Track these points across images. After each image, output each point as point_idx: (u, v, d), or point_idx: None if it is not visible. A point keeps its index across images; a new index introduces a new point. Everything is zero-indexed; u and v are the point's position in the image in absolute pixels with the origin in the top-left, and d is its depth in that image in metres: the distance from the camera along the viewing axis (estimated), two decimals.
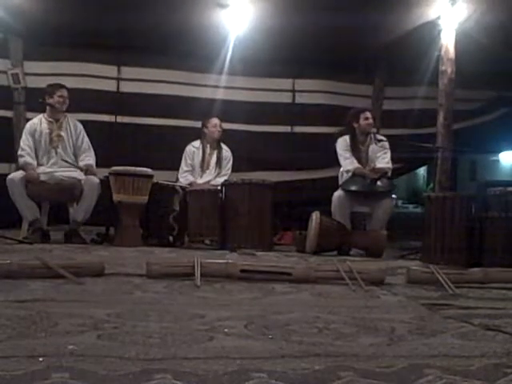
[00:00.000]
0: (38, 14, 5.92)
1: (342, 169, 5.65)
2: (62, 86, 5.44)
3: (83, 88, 6.52)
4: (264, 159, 7.17)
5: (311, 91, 7.48)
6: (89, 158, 5.43)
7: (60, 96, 5.36)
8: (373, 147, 5.63)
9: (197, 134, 6.18)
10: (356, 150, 5.59)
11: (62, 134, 5.41)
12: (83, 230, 5.42)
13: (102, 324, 1.95)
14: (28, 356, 1.52)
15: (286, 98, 7.46)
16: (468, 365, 1.57)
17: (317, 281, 3.11)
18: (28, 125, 5.47)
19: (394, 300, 2.74)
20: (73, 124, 5.48)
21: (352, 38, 6.26)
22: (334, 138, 5.76)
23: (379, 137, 5.72)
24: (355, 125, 5.63)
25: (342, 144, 5.64)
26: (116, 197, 5.16)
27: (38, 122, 5.42)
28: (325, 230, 5.02)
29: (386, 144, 5.64)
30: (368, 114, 5.64)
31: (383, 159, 5.58)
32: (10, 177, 5.13)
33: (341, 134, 5.73)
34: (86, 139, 5.51)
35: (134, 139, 6.84)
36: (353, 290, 2.91)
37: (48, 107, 5.39)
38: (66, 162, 5.32)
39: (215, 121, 6.07)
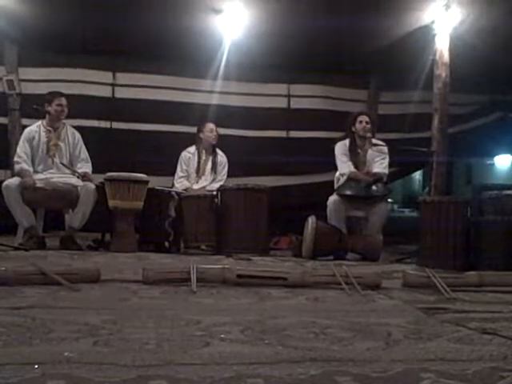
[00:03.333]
0: (33, 20, 5.92)
1: (337, 173, 5.64)
2: (61, 95, 5.42)
3: (78, 94, 6.51)
4: (260, 164, 7.16)
5: (306, 96, 7.49)
6: (85, 168, 5.42)
7: (58, 104, 5.35)
8: (370, 152, 5.62)
9: (192, 139, 6.17)
10: (354, 153, 5.58)
11: (60, 143, 5.39)
12: (79, 236, 5.41)
13: (97, 330, 1.94)
14: (23, 363, 1.51)
15: (281, 103, 7.47)
16: (464, 369, 1.57)
17: (313, 285, 3.11)
18: (26, 131, 5.44)
19: (391, 304, 2.74)
20: (71, 133, 5.47)
21: (347, 43, 6.29)
22: (333, 143, 5.74)
23: (376, 141, 5.71)
24: (353, 128, 5.63)
25: (341, 148, 5.64)
26: (111, 203, 5.15)
27: (36, 129, 5.40)
28: (321, 234, 5.02)
29: (385, 149, 5.62)
30: (363, 118, 5.63)
31: (381, 164, 5.56)
32: (5, 183, 5.10)
33: (340, 139, 5.72)
34: (84, 149, 5.50)
35: (130, 145, 6.82)
36: (349, 294, 2.91)
37: (47, 115, 5.38)
38: (64, 165, 5.31)
39: (211, 126, 6.07)
